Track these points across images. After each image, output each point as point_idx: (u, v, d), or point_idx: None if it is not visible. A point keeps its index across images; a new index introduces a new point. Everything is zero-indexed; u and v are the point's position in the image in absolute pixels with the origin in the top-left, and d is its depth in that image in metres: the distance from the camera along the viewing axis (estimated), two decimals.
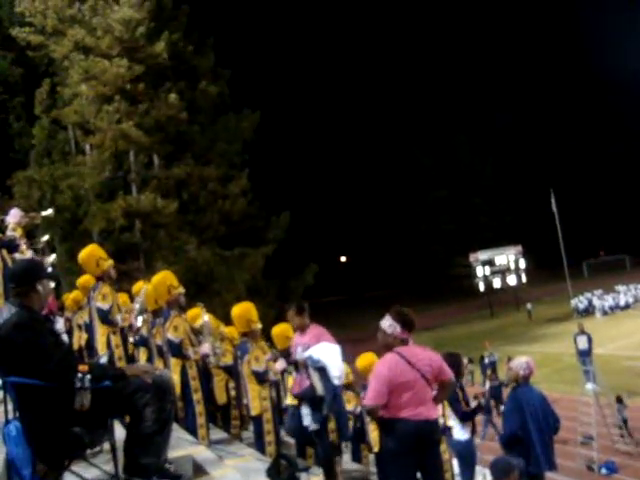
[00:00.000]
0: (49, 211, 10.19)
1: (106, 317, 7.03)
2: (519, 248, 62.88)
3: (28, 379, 3.51)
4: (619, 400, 18.44)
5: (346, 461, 9.72)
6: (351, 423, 10.07)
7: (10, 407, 3.67)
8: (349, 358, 10.65)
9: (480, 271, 62.87)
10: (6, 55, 26.29)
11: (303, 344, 6.46)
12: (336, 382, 6.07)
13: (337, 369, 6.02)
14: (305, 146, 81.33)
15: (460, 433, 7.83)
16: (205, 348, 7.66)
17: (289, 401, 7.36)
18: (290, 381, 7.06)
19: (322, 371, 5.97)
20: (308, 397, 6.15)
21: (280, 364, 8.46)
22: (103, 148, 24.93)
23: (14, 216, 7.47)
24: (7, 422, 3.53)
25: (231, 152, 27.10)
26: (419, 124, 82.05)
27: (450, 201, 72.50)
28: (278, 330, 8.52)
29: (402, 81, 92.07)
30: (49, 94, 25.72)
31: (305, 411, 6.14)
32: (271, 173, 52.04)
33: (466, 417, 7.81)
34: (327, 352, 6.08)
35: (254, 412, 8.02)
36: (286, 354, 7.61)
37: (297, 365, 6.36)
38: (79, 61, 24.34)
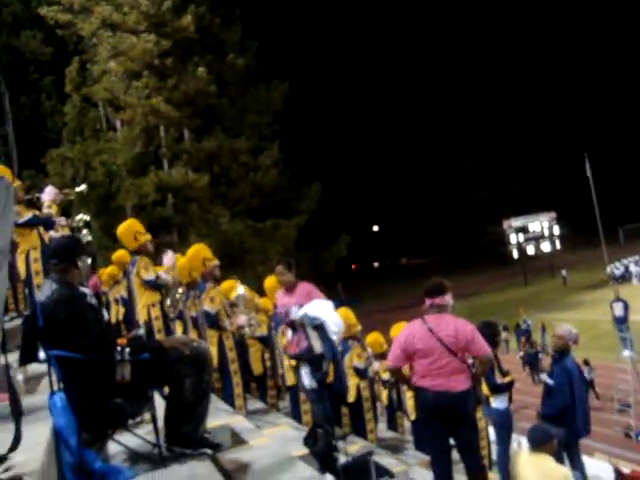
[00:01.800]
0: (82, 187, 10.32)
1: (155, 284, 7.10)
2: (553, 214, 62.08)
3: (70, 353, 3.59)
4: None
5: (381, 429, 9.81)
6: (386, 392, 10.17)
7: (55, 379, 3.76)
8: (384, 327, 10.71)
9: (514, 238, 62.34)
10: (36, 35, 26.41)
11: (295, 303, 6.35)
12: (334, 337, 6.00)
13: (335, 324, 5.94)
14: (335, 115, 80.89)
15: (497, 402, 7.82)
16: (241, 319, 7.74)
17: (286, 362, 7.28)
18: (283, 341, 6.90)
19: (320, 328, 5.92)
20: (307, 357, 6.08)
21: None
22: (133, 124, 25.04)
23: (49, 194, 7.56)
24: (52, 394, 3.63)
25: (261, 124, 27.02)
26: (450, 89, 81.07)
27: (483, 168, 71.51)
28: (272, 282, 8.19)
29: (432, 46, 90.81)
30: (79, 72, 25.84)
31: (305, 370, 6.07)
32: (302, 144, 51.94)
33: (498, 390, 7.77)
34: (323, 308, 5.96)
35: (289, 382, 8.12)
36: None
37: (294, 325, 6.24)
38: (107, 38, 24.38)
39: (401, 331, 5.77)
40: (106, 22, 24.48)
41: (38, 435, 2.99)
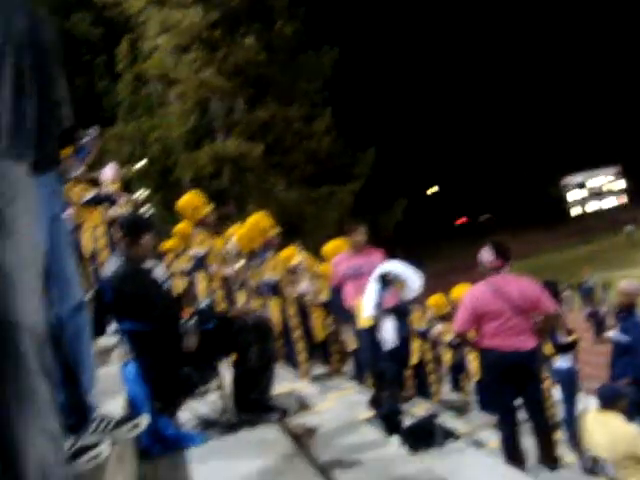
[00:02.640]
0: (142, 162, 10.46)
1: (200, 262, 7.22)
2: (617, 168, 60.17)
3: (138, 325, 3.71)
4: None
5: (446, 391, 9.83)
6: (450, 353, 10.16)
7: (125, 351, 3.90)
8: (445, 289, 10.67)
9: (574, 195, 60.82)
10: (85, 17, 26.74)
11: (370, 263, 6.44)
12: (412, 295, 6.09)
13: (415, 281, 6.01)
14: (387, 78, 79.82)
15: (562, 361, 7.74)
16: (302, 286, 7.81)
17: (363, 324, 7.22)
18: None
19: (404, 283, 6.00)
20: (401, 310, 6.15)
21: None
22: (186, 98, 25.23)
23: (110, 172, 7.72)
24: (124, 365, 3.76)
25: (312, 90, 26.87)
26: (505, 45, 79.00)
27: (540, 123, 69.80)
28: (332, 247, 8.38)
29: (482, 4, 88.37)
30: (129, 50, 26.09)
31: (390, 325, 6.09)
32: (354, 109, 51.46)
33: (561, 350, 7.67)
34: (401, 267, 6.08)
35: (352, 346, 8.18)
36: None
37: (385, 280, 6.30)
38: (155, 14, 24.52)
39: (466, 294, 5.74)
40: None
41: (113, 404, 3.11)
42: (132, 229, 4.00)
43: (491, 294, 5.37)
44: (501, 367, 5.33)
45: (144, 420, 2.59)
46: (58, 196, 2.61)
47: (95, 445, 2.23)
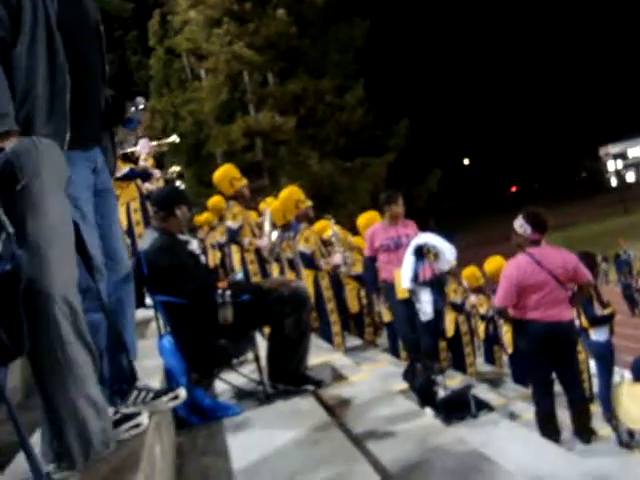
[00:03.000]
0: (174, 137, 10.52)
1: (234, 236, 7.25)
2: None
3: (174, 298, 3.75)
4: None
5: (480, 363, 9.81)
6: (483, 326, 10.12)
7: (161, 323, 3.95)
8: (478, 261, 10.59)
9: (612, 165, 59.73)
10: None
11: (409, 235, 6.50)
12: (447, 267, 6.18)
13: (451, 252, 6.04)
14: (420, 48, 78.75)
15: (598, 334, 7.64)
16: (336, 258, 7.82)
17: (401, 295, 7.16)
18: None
19: (439, 255, 6.04)
20: (436, 283, 6.17)
21: None
22: (217, 72, 25.24)
23: (144, 146, 7.75)
24: (161, 337, 3.82)
25: (344, 62, 26.66)
26: (540, 15, 77.22)
27: (577, 92, 68.31)
28: (365, 220, 8.45)
29: None
30: (160, 24, 26.14)
31: (427, 298, 6.10)
32: (386, 81, 50.97)
33: (597, 322, 7.58)
34: (437, 239, 6.11)
35: (386, 318, 8.20)
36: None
37: (422, 251, 6.31)
38: None
39: (508, 268, 5.67)
40: None
41: (151, 375, 3.16)
42: (165, 203, 4.04)
43: (533, 267, 5.33)
44: (543, 339, 5.31)
45: (183, 392, 2.64)
46: (105, 172, 2.63)
47: (136, 415, 2.28)
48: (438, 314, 8.02)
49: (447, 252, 6.03)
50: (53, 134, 2.11)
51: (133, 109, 2.60)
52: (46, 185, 1.91)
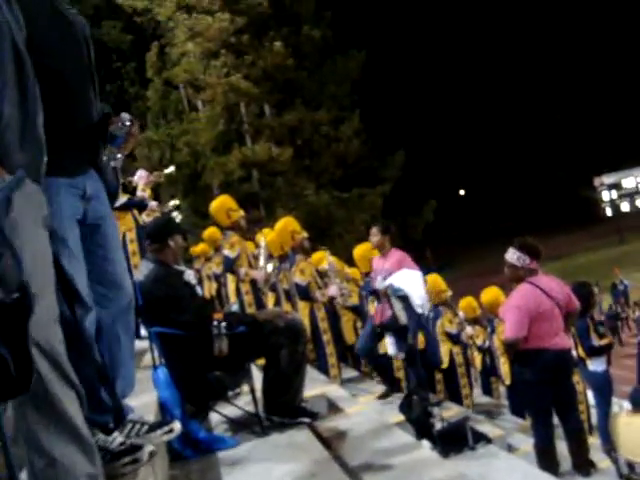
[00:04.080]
0: (171, 168, 10.60)
1: (231, 265, 7.23)
2: None
3: (170, 329, 3.74)
4: None
5: (477, 395, 9.75)
6: (480, 357, 10.08)
7: (156, 355, 3.93)
8: (474, 292, 10.59)
9: (607, 195, 60.13)
10: (115, 25, 27.13)
11: (385, 270, 6.40)
12: (419, 310, 5.91)
13: (419, 297, 5.87)
14: (415, 81, 79.60)
15: (595, 364, 7.62)
16: (332, 290, 7.81)
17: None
18: (372, 309, 6.97)
19: (405, 300, 5.89)
20: (391, 327, 6.10)
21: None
22: (214, 103, 25.42)
23: (141, 177, 7.79)
24: (155, 368, 3.79)
25: (340, 94, 26.91)
26: (536, 45, 78.29)
27: (572, 123, 69.00)
28: (360, 251, 8.39)
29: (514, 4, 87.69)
30: (159, 56, 26.39)
31: (389, 340, 6.09)
32: (382, 112, 51.37)
33: (593, 352, 7.56)
34: (408, 280, 5.91)
35: (382, 350, 8.16)
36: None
37: (378, 294, 6.30)
38: (183, 20, 24.73)
39: (515, 298, 5.61)
40: (181, 5, 24.84)
41: (145, 407, 3.14)
42: (158, 235, 4.05)
43: (540, 295, 5.34)
44: (552, 367, 5.31)
45: (177, 425, 2.61)
46: (99, 198, 2.55)
47: (137, 448, 2.24)
48: (431, 346, 8.04)
49: (416, 297, 5.84)
50: (27, 162, 2.01)
51: (119, 124, 2.52)
52: (20, 219, 1.84)
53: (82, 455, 1.86)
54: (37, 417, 1.80)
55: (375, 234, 6.82)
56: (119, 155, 2.60)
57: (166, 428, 2.56)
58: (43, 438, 1.81)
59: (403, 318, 5.85)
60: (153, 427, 2.55)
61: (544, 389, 5.35)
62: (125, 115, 2.53)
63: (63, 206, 2.36)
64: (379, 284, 6.26)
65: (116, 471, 2.12)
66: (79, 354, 2.22)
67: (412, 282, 5.91)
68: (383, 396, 7.08)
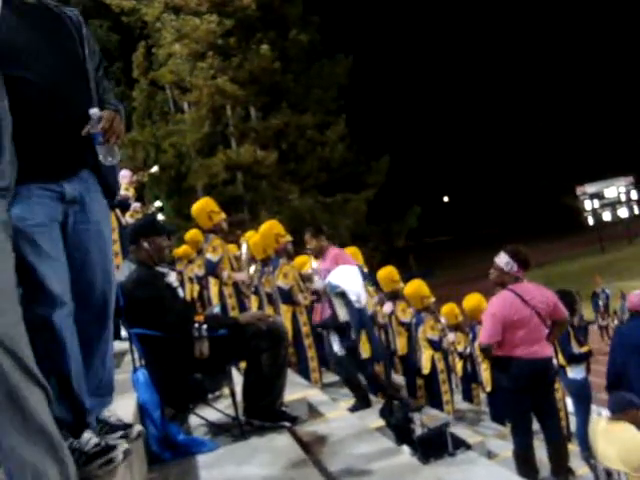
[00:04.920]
0: (155, 168, 10.54)
1: (213, 269, 7.19)
2: (630, 179, 59.96)
3: (150, 331, 3.71)
4: None
5: (457, 401, 9.77)
6: (461, 363, 10.10)
7: (136, 356, 3.90)
8: (456, 299, 10.62)
9: (589, 204, 60.62)
10: (102, 24, 27.01)
11: (323, 270, 6.40)
12: (357, 305, 5.98)
13: (354, 293, 5.91)
14: (401, 86, 79.89)
15: (575, 372, 7.66)
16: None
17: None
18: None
19: (343, 296, 5.90)
20: (331, 325, 6.11)
21: (387, 307, 8.56)
22: (200, 105, 25.38)
23: (125, 177, 7.76)
24: (135, 370, 3.76)
25: (327, 99, 26.96)
26: (519, 54, 78.84)
27: (555, 133, 69.56)
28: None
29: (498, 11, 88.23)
30: (145, 57, 26.30)
31: (333, 338, 6.09)
32: (368, 117, 51.52)
33: (574, 360, 7.61)
34: (345, 276, 5.96)
35: (365, 355, 8.15)
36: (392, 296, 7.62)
37: (318, 294, 6.31)
38: (170, 21, 24.68)
39: (493, 304, 5.67)
40: (169, 5, 24.79)
41: (124, 409, 3.11)
42: (131, 235, 4.07)
43: (518, 303, 5.36)
44: (527, 376, 5.31)
45: (137, 429, 2.57)
46: (84, 202, 2.52)
47: (111, 449, 2.21)
48: (413, 352, 8.06)
49: (350, 293, 5.89)
50: None
51: (93, 120, 2.46)
52: None
53: (50, 453, 1.81)
54: (1, 416, 1.76)
55: (309, 240, 6.64)
56: (116, 149, 2.55)
57: (122, 432, 2.52)
58: (9, 437, 1.77)
59: (343, 315, 5.89)
60: (114, 428, 2.51)
61: (522, 397, 5.37)
62: (93, 110, 2.47)
63: (34, 209, 2.33)
64: (317, 284, 6.28)
65: (91, 473, 2.08)
66: (47, 352, 2.20)
67: (347, 278, 5.96)
68: (352, 409, 7.02)
